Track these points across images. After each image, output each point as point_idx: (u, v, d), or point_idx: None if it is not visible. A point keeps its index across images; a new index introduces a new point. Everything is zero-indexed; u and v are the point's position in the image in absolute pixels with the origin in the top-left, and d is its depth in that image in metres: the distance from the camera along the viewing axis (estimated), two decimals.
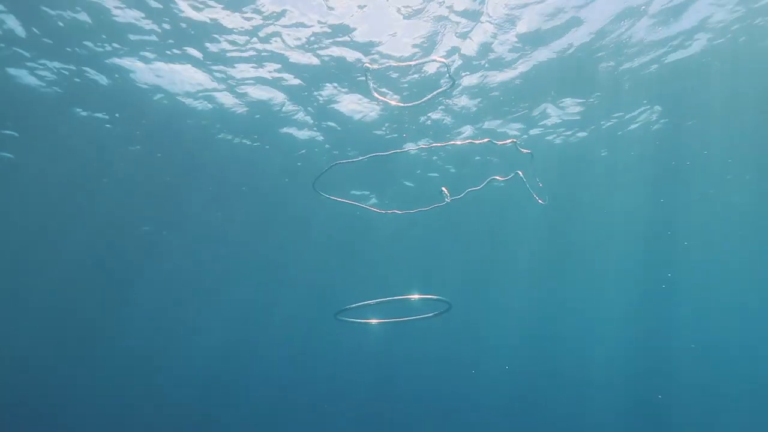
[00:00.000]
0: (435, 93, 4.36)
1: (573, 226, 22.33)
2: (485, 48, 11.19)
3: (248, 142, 15.32)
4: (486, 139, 4.02)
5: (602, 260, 27.07)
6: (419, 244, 24.32)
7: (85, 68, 11.71)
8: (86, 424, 36.36)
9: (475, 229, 22.67)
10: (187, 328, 38.35)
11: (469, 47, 11.11)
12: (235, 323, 38.80)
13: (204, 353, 43.59)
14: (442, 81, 12.03)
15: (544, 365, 50.85)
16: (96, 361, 40.24)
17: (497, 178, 4.50)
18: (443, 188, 4.30)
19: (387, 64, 7.00)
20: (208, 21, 10.29)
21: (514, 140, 4.11)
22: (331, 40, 10.85)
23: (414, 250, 24.98)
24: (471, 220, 21.62)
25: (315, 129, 14.70)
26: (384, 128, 14.42)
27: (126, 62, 11.57)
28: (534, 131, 14.99)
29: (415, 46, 10.82)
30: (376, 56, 11.04)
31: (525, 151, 4.04)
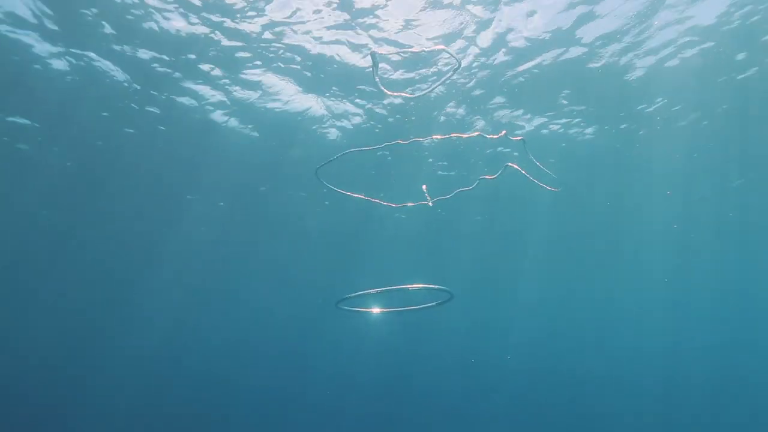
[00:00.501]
0: (439, 83, 4.32)
1: (588, 221, 22.27)
2: (501, 39, 11.17)
3: (256, 134, 15.33)
4: (477, 133, 4.01)
5: (615, 257, 27.04)
6: (426, 240, 24.32)
7: (98, 58, 11.75)
8: (88, 423, 37.03)
9: (485, 225, 22.59)
10: (190, 328, 38.76)
11: (485, 38, 11.10)
12: (238, 322, 39.18)
13: (207, 352, 44.07)
14: (447, 72, 11.97)
15: (552, 362, 50.96)
16: (97, 360, 40.82)
17: (486, 177, 4.48)
18: (423, 186, 4.30)
19: (392, 52, 6.94)
20: (220, 14, 10.27)
21: (505, 131, 4.10)
22: (343, 32, 10.85)
23: (421, 246, 24.98)
24: (481, 216, 21.54)
25: (324, 123, 14.66)
26: (395, 122, 14.40)
27: (138, 54, 11.62)
28: (548, 125, 14.95)
29: (429, 39, 10.83)
30: (390, 47, 11.03)
31: (516, 138, 4.01)
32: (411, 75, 12.22)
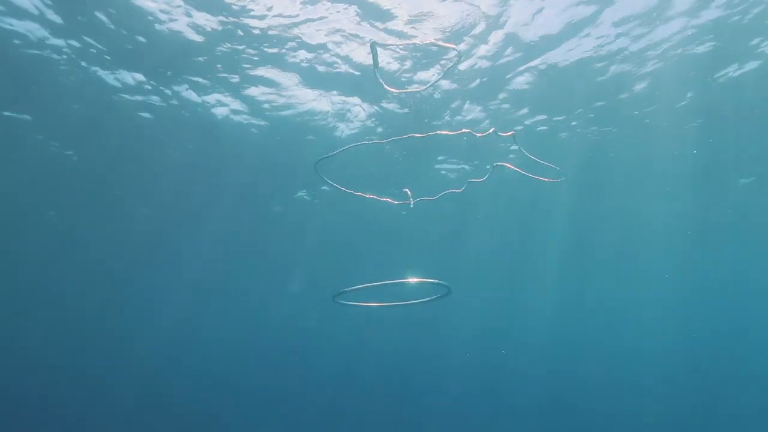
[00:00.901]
0: (439, 78, 4.41)
1: (593, 221, 22.34)
2: (507, 38, 11.23)
3: (262, 132, 15.37)
4: (465, 130, 4.07)
5: (620, 257, 27.06)
6: (432, 239, 24.35)
7: (102, 54, 11.84)
8: (91, 422, 37.26)
9: (496, 226, 22.62)
10: (192, 327, 38.87)
11: (492, 36, 11.13)
12: (238, 322, 39.29)
13: (209, 351, 44.21)
14: (450, 69, 12.00)
15: (558, 363, 50.89)
16: (99, 359, 41.01)
17: (475, 180, 4.54)
18: (406, 189, 4.34)
19: (392, 43, 6.99)
20: (226, 11, 10.37)
21: (494, 129, 4.16)
22: (350, 29, 10.86)
23: (427, 245, 25.00)
24: (492, 215, 21.58)
25: (331, 121, 14.72)
26: (403, 120, 14.46)
27: (142, 50, 11.69)
28: (551, 124, 14.95)
29: (437, 38, 10.89)
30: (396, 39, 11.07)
31: (506, 134, 4.04)
32: (416, 75, 12.28)
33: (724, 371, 50.06)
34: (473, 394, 51.54)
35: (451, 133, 4.20)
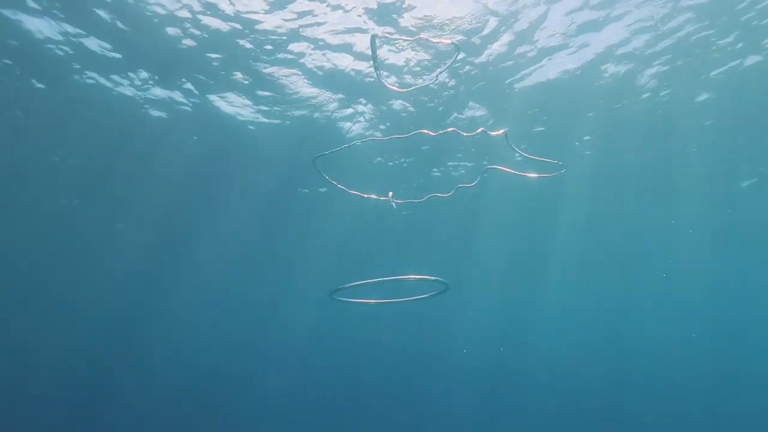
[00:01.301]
0: (437, 74, 4.39)
1: (602, 224, 22.37)
2: (521, 37, 11.20)
3: (270, 132, 15.37)
4: (451, 129, 4.06)
5: (633, 259, 27.04)
6: (437, 238, 24.33)
7: (106, 53, 11.86)
8: (92, 422, 37.43)
9: (503, 227, 22.61)
10: (192, 327, 38.97)
11: (505, 37, 11.11)
12: (238, 322, 39.42)
13: (212, 351, 44.32)
14: (452, 69, 11.98)
15: (565, 363, 50.79)
16: (105, 360, 41.19)
17: (464, 185, 4.53)
18: (389, 193, 4.36)
19: (393, 37, 6.99)
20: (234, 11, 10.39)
21: (483, 128, 4.14)
22: (359, 27, 10.84)
23: (433, 245, 24.98)
24: (500, 216, 21.58)
25: (338, 121, 14.72)
26: (410, 119, 14.46)
27: (147, 51, 11.71)
28: (555, 127, 14.90)
29: (446, 35, 10.88)
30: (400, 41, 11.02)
31: (496, 133, 4.00)
32: (422, 74, 12.21)
33: (726, 372, 49.85)
34: (479, 397, 51.46)
35: (435, 133, 4.17)
